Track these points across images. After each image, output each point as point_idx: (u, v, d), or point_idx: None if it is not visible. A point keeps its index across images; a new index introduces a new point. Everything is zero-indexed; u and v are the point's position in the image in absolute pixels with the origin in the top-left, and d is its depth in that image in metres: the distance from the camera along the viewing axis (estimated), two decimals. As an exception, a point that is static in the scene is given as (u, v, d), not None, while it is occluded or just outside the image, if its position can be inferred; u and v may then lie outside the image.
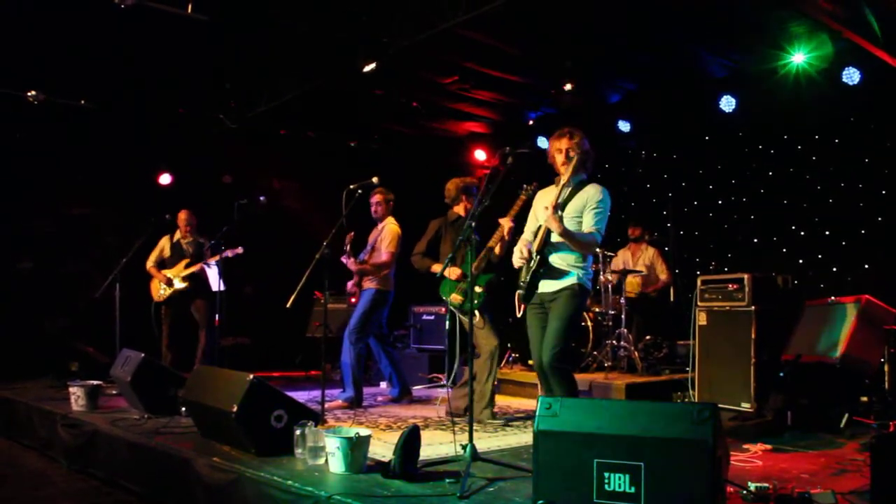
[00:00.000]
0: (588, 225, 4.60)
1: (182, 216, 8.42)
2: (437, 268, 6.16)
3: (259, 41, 7.70)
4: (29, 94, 8.23)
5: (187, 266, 8.15)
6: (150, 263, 8.39)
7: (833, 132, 7.95)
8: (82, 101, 8.74)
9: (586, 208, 4.62)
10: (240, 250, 7.92)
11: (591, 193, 4.64)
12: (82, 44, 7.54)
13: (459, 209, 6.45)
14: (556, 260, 4.67)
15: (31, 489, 5.17)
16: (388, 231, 6.98)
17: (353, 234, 6.86)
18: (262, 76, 8.65)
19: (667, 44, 7.70)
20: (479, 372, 6.09)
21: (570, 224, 4.60)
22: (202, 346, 8.19)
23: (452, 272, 5.94)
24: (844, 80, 7.34)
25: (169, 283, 8.18)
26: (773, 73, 7.80)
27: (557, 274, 4.65)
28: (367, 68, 7.69)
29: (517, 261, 4.78)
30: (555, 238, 4.64)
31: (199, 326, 8.24)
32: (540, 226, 4.73)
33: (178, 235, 8.45)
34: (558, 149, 4.73)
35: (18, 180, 8.98)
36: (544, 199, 4.87)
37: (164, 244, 8.49)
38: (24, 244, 9.32)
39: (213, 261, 7.99)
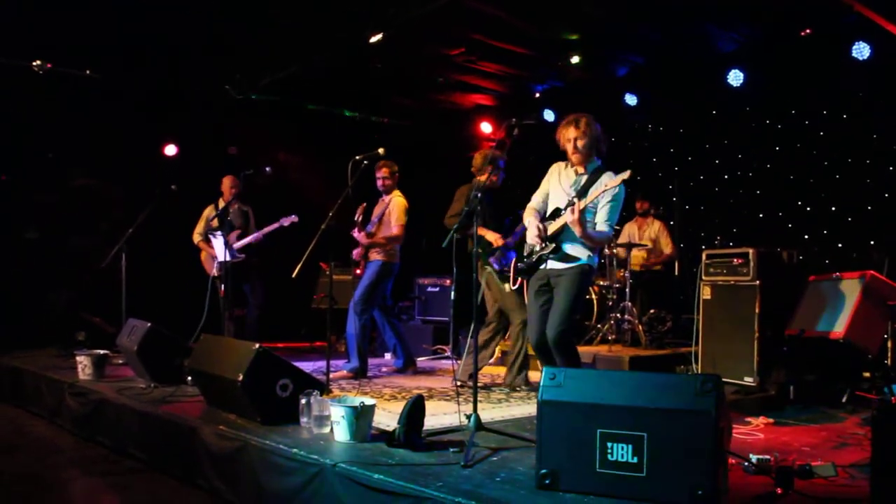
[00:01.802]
0: (602, 220, 4.65)
1: (225, 182, 8.11)
2: (491, 235, 6.22)
3: (265, 12, 7.66)
4: (34, 63, 8.18)
5: (239, 237, 7.86)
6: (197, 237, 8.19)
7: (841, 107, 7.90)
8: (87, 72, 8.71)
9: (602, 200, 4.63)
10: (294, 218, 7.76)
11: (610, 185, 4.63)
12: (87, 12, 7.51)
13: (484, 178, 6.45)
14: (569, 247, 4.72)
15: (40, 456, 5.23)
16: (395, 204, 6.98)
17: (364, 205, 6.86)
18: (268, 47, 8.61)
19: (675, 17, 7.64)
20: (513, 341, 6.36)
21: (587, 213, 4.62)
22: (248, 318, 8.08)
23: (496, 238, 6.11)
24: (854, 54, 7.28)
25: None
26: (783, 48, 7.74)
27: (568, 259, 4.72)
28: (374, 39, 7.65)
29: (532, 239, 4.81)
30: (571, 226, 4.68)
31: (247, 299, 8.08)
32: (557, 208, 4.75)
33: (221, 203, 8.12)
34: (567, 139, 4.73)
35: (23, 150, 8.98)
36: (559, 175, 4.87)
37: (209, 213, 8.23)
38: (30, 214, 9.33)
39: (269, 229, 7.82)
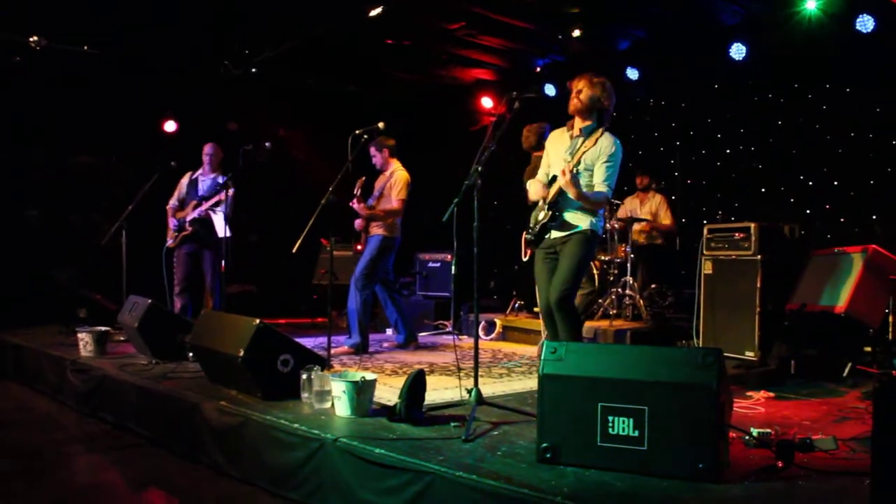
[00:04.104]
0: (599, 180, 4.62)
1: (204, 149, 7.81)
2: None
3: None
4: (31, 39, 8.13)
5: (196, 206, 7.56)
6: (168, 204, 7.85)
7: (845, 81, 7.82)
8: (85, 47, 8.66)
9: (598, 161, 4.61)
10: (232, 191, 7.20)
11: (604, 146, 4.61)
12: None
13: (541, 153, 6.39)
14: (569, 214, 4.70)
15: (43, 433, 5.25)
16: (397, 178, 6.96)
17: (363, 178, 6.85)
18: (268, 22, 8.54)
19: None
20: None
21: (583, 176, 4.61)
22: (208, 303, 7.64)
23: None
24: (858, 27, 7.20)
25: (178, 227, 7.64)
26: (786, 20, 7.66)
27: (569, 227, 4.70)
28: (373, 13, 7.59)
29: (534, 195, 4.79)
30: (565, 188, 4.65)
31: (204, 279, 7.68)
32: (555, 176, 4.72)
33: (199, 171, 7.84)
34: (576, 89, 4.71)
35: (23, 128, 8.94)
36: (556, 142, 4.86)
37: (183, 181, 7.88)
38: (31, 192, 9.30)
39: (212, 202, 7.42)
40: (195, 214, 7.54)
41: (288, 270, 9.34)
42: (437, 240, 8.94)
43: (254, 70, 9.59)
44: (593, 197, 4.61)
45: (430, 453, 3.32)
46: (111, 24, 8.32)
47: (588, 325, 7.02)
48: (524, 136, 6.64)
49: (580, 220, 4.68)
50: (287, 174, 10.45)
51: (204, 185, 7.73)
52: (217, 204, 7.36)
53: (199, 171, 7.85)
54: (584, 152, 4.61)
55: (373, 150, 7.06)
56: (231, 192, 7.08)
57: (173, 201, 7.85)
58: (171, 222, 7.71)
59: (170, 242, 7.68)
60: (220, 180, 7.63)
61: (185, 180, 7.88)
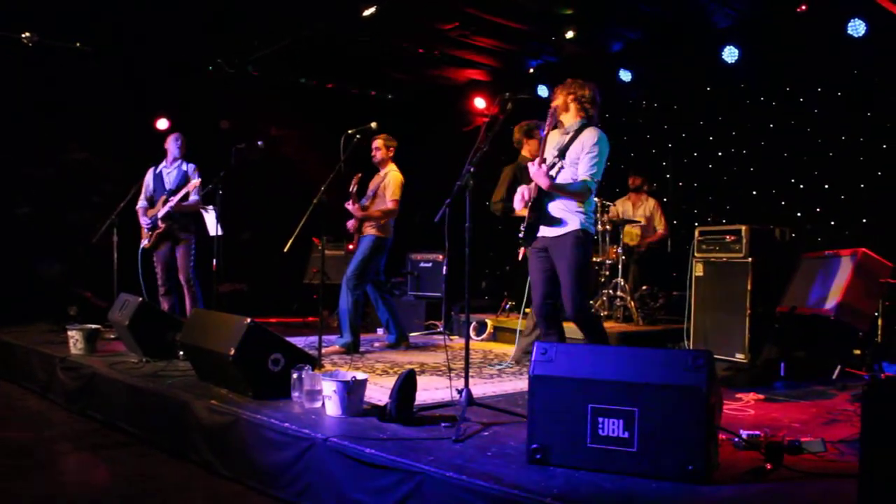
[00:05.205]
0: (582, 171, 4.58)
1: (168, 139, 7.59)
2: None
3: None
4: (23, 35, 8.11)
5: (165, 202, 7.28)
6: (138, 205, 7.57)
7: (836, 85, 7.86)
8: (77, 44, 8.63)
9: (582, 153, 4.59)
10: (198, 181, 7.15)
11: (587, 137, 4.61)
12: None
13: (526, 152, 6.43)
14: (554, 208, 4.66)
15: (33, 431, 5.23)
16: (391, 179, 6.95)
17: (360, 175, 6.82)
18: (261, 20, 8.53)
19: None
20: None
21: (568, 171, 4.60)
22: (187, 299, 7.39)
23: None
24: (849, 31, 7.24)
25: (150, 226, 7.35)
26: (778, 24, 7.69)
27: (557, 221, 4.65)
28: (367, 13, 7.59)
29: (518, 204, 4.80)
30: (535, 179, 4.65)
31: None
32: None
33: (162, 164, 7.60)
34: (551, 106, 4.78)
35: (16, 125, 8.90)
36: (551, 142, 4.86)
37: (147, 179, 7.60)
38: (22, 189, 9.26)
39: (183, 193, 7.18)
40: (166, 210, 7.27)
41: (279, 269, 9.32)
42: (429, 240, 8.94)
43: (248, 68, 9.57)
44: (570, 188, 4.58)
45: (420, 453, 3.32)
46: (105, 22, 8.29)
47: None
48: (514, 133, 6.61)
49: (566, 216, 4.62)
50: (279, 173, 10.43)
51: (170, 177, 7.51)
52: (185, 197, 7.22)
53: (163, 164, 7.61)
54: (556, 144, 4.68)
55: (378, 143, 7.03)
56: (198, 181, 7.06)
57: (142, 201, 7.59)
58: (144, 221, 7.47)
59: (145, 243, 7.45)
60: (185, 167, 7.51)
61: (148, 177, 7.64)
